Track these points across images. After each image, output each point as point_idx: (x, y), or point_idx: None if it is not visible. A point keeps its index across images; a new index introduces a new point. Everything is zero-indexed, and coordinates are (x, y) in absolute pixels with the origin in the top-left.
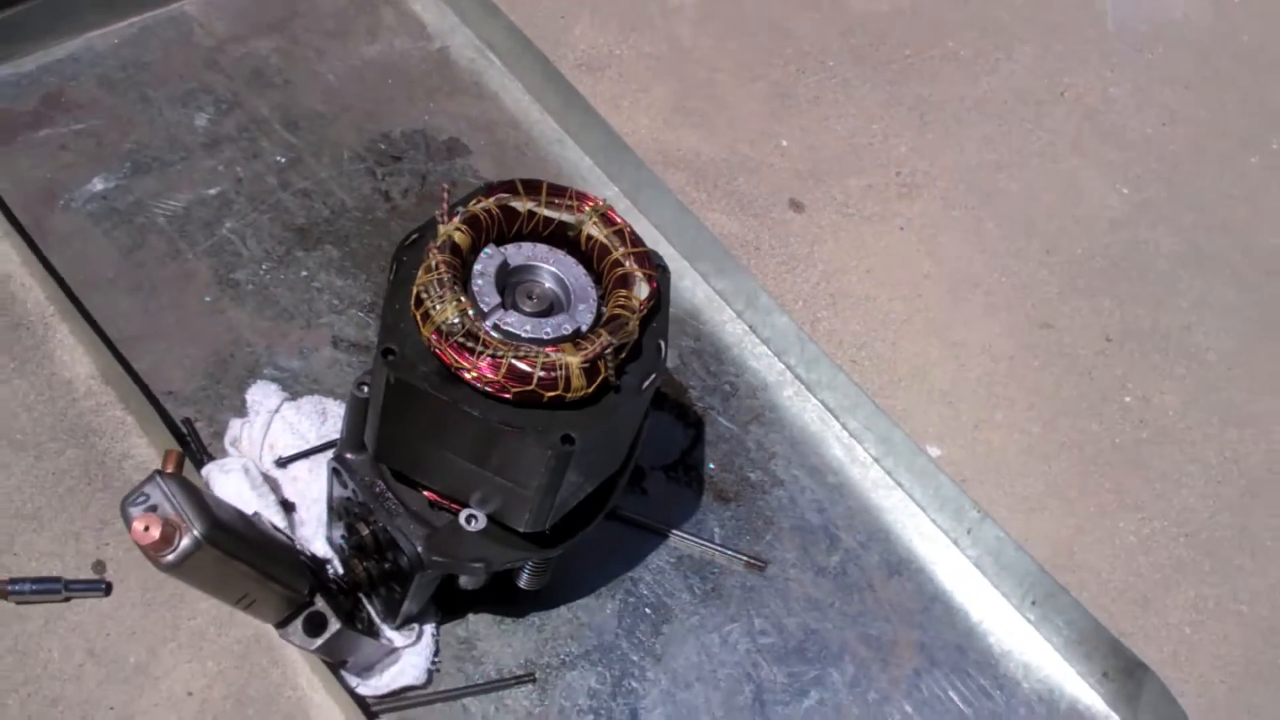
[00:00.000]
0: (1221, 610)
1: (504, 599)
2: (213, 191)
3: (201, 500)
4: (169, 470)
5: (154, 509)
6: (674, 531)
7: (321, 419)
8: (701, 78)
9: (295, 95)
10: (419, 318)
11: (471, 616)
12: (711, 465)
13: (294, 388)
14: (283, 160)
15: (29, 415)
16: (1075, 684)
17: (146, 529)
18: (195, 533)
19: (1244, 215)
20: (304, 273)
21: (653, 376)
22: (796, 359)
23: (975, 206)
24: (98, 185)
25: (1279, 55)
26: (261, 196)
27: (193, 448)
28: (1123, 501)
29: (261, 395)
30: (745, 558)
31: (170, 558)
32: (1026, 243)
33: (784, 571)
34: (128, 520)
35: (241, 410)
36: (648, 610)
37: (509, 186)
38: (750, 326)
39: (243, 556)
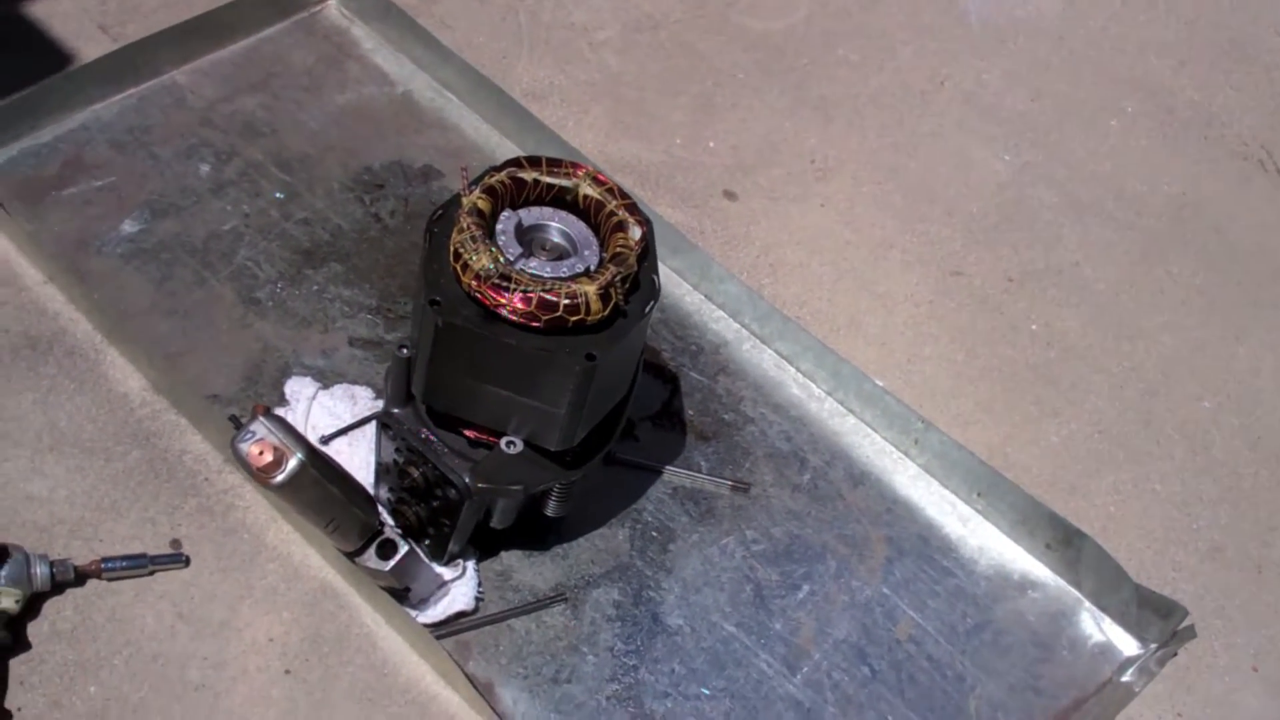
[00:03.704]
0: (1139, 490)
1: (531, 535)
2: (226, 227)
3: (298, 434)
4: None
5: (261, 441)
6: (667, 468)
7: (353, 402)
8: (633, 97)
9: (283, 141)
10: (458, 269)
11: (504, 554)
12: (690, 411)
13: (323, 380)
14: (282, 196)
15: (94, 425)
16: (1023, 558)
17: (261, 453)
18: (299, 456)
19: (1110, 168)
20: (315, 287)
21: (651, 303)
22: (750, 317)
23: (881, 182)
24: (124, 230)
25: (1121, 34)
26: (268, 228)
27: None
28: (1043, 410)
29: (299, 386)
30: (731, 482)
31: (280, 478)
32: (929, 207)
33: (765, 491)
34: (240, 452)
35: (281, 402)
36: (654, 534)
37: (515, 162)
38: (706, 296)
39: (332, 480)
